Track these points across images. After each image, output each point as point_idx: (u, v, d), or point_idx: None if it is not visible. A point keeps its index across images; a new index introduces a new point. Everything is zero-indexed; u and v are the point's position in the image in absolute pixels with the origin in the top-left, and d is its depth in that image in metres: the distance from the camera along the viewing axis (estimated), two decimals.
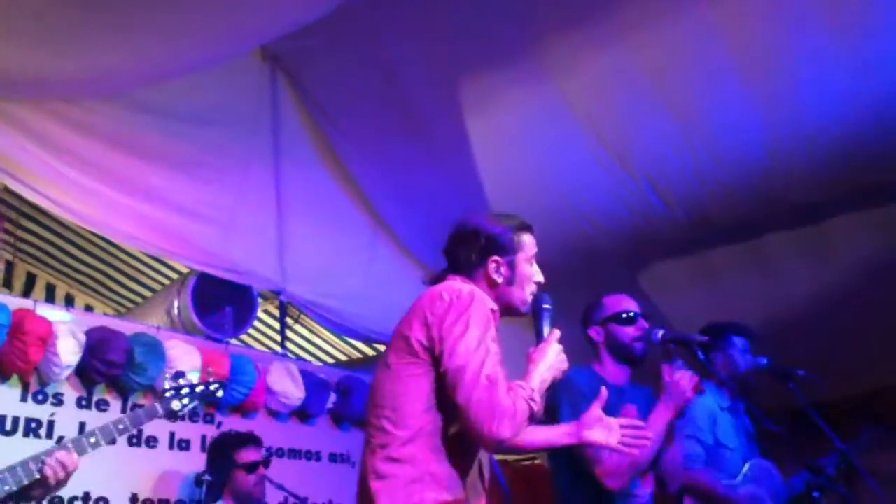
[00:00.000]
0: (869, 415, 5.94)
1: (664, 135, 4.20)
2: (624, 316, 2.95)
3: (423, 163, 4.75)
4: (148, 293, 5.97)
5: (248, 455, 3.56)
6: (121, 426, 2.61)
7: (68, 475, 2.42)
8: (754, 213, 4.72)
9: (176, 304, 4.37)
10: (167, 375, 3.08)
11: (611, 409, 2.73)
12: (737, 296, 5.28)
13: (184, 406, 2.86)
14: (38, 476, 2.35)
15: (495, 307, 2.14)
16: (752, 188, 4.38)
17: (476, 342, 1.95)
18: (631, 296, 3.11)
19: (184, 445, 3.91)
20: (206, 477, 2.92)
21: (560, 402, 2.80)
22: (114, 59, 3.53)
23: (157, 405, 2.81)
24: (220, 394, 3.02)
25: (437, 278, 2.26)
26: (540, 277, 2.26)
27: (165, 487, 3.76)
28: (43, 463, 2.37)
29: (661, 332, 2.88)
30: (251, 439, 3.66)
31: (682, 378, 2.74)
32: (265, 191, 4.64)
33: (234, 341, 4.63)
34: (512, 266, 2.21)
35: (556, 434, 2.51)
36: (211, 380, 3.08)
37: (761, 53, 3.79)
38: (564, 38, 4.01)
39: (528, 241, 2.27)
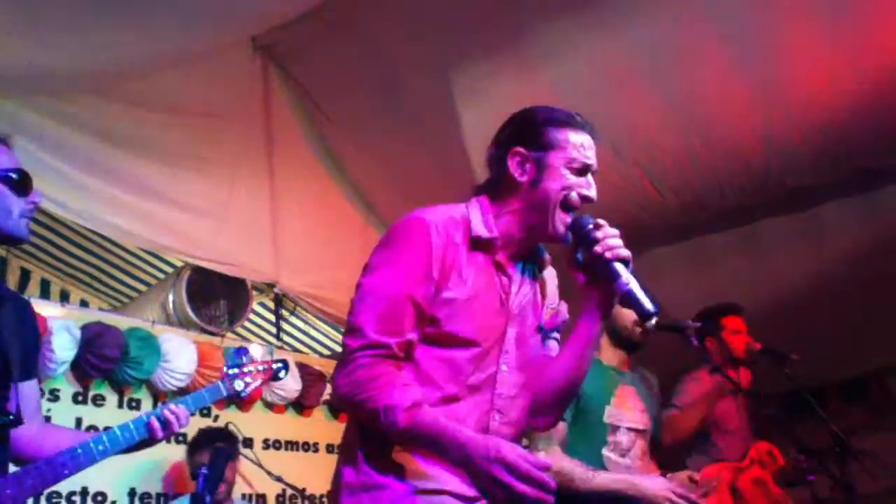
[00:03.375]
0: (861, 398, 6.02)
1: (655, 121, 4.20)
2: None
3: (415, 153, 4.75)
4: (143, 287, 5.95)
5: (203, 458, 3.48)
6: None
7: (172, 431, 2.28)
8: (746, 198, 4.73)
9: (171, 297, 4.37)
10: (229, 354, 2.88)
11: (603, 389, 2.77)
12: (729, 281, 5.30)
13: (247, 385, 2.65)
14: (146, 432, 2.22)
15: (486, 234, 1.75)
16: (743, 173, 4.40)
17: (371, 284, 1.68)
18: None
19: (181, 439, 3.91)
20: (203, 470, 2.91)
21: None
22: (101, 51, 3.52)
23: (221, 384, 2.61)
24: (282, 374, 2.81)
25: None
26: (590, 192, 1.79)
27: (164, 481, 3.77)
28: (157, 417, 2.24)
29: (654, 320, 2.89)
30: (223, 434, 3.68)
31: None
32: (258, 182, 4.63)
33: (229, 334, 4.63)
34: (540, 165, 1.76)
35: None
36: (274, 358, 2.93)
37: (753, 38, 3.80)
38: (553, 26, 4.00)
39: (571, 138, 1.78)
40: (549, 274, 1.96)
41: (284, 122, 4.71)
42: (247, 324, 5.77)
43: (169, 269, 5.50)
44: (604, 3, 3.85)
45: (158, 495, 3.77)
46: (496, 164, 1.82)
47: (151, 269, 5.93)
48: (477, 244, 1.76)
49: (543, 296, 1.92)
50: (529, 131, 1.79)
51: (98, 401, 3.73)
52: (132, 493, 3.68)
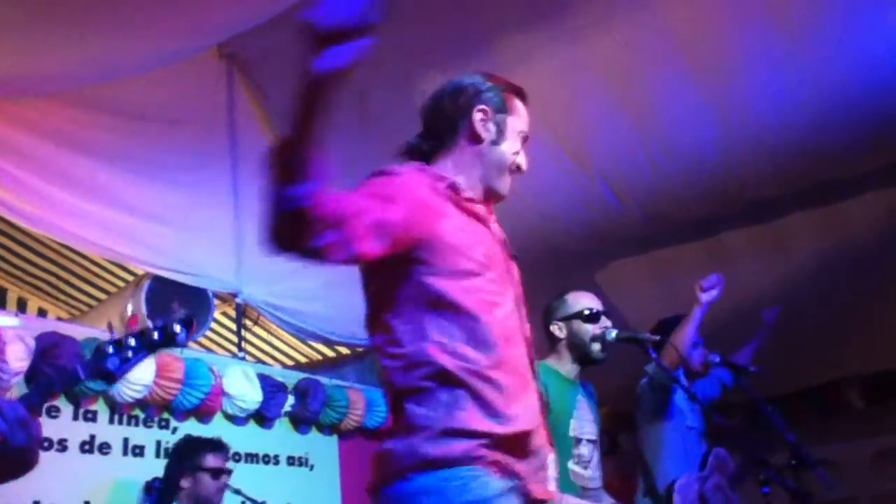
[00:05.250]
0: (824, 406, 6.11)
1: (619, 133, 4.24)
2: (586, 313, 2.99)
3: (381, 162, 4.71)
4: (103, 296, 5.86)
5: (215, 461, 3.50)
6: None
7: None
8: (709, 210, 4.80)
9: (129, 307, 4.30)
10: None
11: (567, 402, 2.81)
12: (692, 292, 5.35)
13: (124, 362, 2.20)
14: None
15: (461, 184, 1.77)
16: (706, 186, 4.45)
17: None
18: (593, 294, 3.15)
19: (138, 452, 3.84)
20: (156, 483, 2.85)
21: None
22: (63, 56, 3.46)
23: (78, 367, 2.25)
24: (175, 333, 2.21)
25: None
26: (524, 162, 1.89)
27: (119, 495, 3.69)
28: None
29: (614, 332, 2.93)
30: (218, 445, 3.60)
31: None
32: (221, 191, 4.57)
33: (190, 345, 4.56)
34: (501, 126, 1.85)
35: None
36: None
37: (711, 52, 3.85)
38: (516, 39, 4.02)
39: (522, 109, 1.91)
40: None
41: (249, 131, 4.65)
42: (208, 334, 5.71)
43: (130, 278, 5.42)
44: (568, 16, 3.88)
45: None
46: (452, 118, 1.85)
47: (112, 277, 5.85)
48: (457, 198, 1.75)
49: None
50: (492, 93, 1.85)
51: (53, 412, 3.64)
52: None
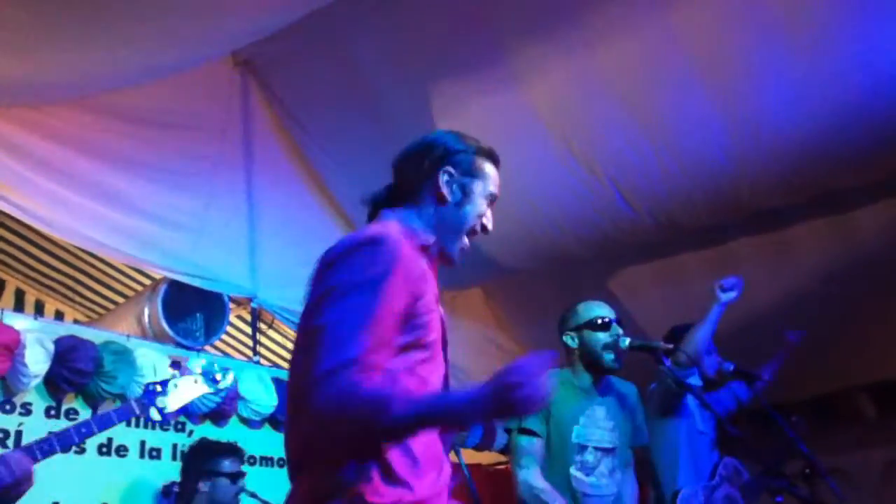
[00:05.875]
0: (834, 415, 6.10)
1: (629, 140, 4.26)
2: (598, 322, 3.02)
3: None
4: (120, 299, 5.92)
5: (231, 465, 3.54)
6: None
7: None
8: (717, 217, 4.80)
9: (146, 311, 4.35)
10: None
11: (573, 410, 2.85)
12: (701, 299, 5.36)
13: (172, 402, 2.51)
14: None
15: (429, 241, 1.85)
16: (714, 193, 4.46)
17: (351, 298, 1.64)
18: (605, 301, 3.18)
19: (154, 454, 3.88)
20: (175, 488, 2.89)
21: None
22: (81, 63, 3.52)
23: (133, 403, 2.51)
24: (224, 381, 2.66)
25: (370, 216, 1.98)
26: (490, 224, 1.94)
27: (135, 497, 3.73)
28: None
29: (627, 340, 2.95)
30: (234, 449, 3.64)
31: None
32: (236, 196, 4.63)
33: (206, 348, 4.62)
34: (466, 190, 1.90)
35: None
36: (217, 368, 2.76)
37: (723, 61, 3.88)
38: (531, 45, 4.06)
39: (490, 172, 1.95)
40: None
41: (264, 137, 4.72)
42: (224, 338, 5.76)
43: (147, 282, 5.48)
44: (578, 22, 3.92)
45: None
46: (418, 176, 1.91)
47: (129, 280, 5.91)
48: (423, 250, 1.83)
49: None
50: (456, 155, 1.91)
51: (71, 415, 3.69)
52: None
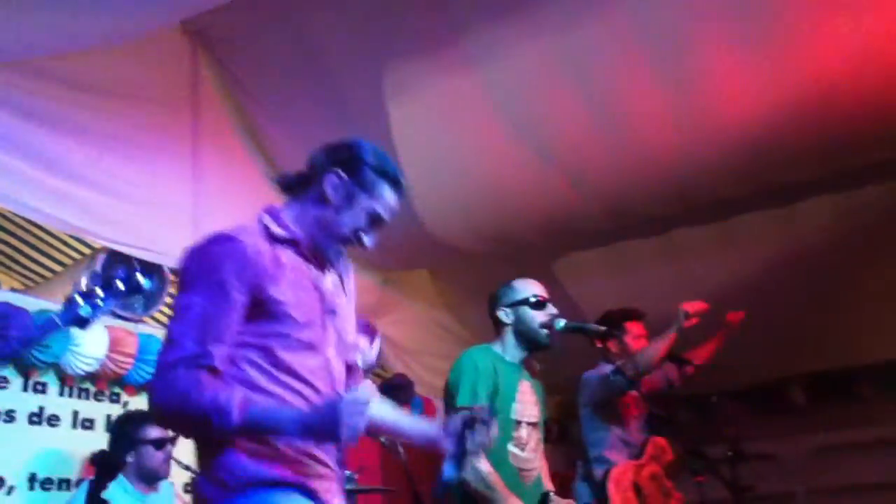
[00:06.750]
0: (768, 403, 6.29)
1: (581, 128, 4.30)
2: (533, 300, 3.05)
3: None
4: (59, 268, 5.79)
5: (154, 432, 3.51)
6: None
7: None
8: (666, 207, 4.89)
9: (84, 281, 4.26)
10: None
11: (509, 388, 2.88)
12: (648, 287, 5.46)
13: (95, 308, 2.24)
14: None
15: (286, 235, 1.87)
16: (664, 184, 4.54)
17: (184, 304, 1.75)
18: (543, 282, 3.21)
19: (87, 424, 3.84)
20: (101, 457, 2.87)
21: (459, 381, 2.89)
22: (18, 23, 3.41)
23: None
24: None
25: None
26: (368, 241, 1.95)
27: (66, 466, 3.69)
28: None
29: (563, 322, 2.99)
30: None
31: None
32: (182, 167, 4.55)
33: (145, 319, 4.55)
34: (350, 198, 1.90)
35: None
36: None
37: (674, 53, 3.92)
38: (487, 30, 4.05)
39: (384, 194, 1.93)
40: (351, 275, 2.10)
41: (211, 108, 4.64)
42: (164, 309, 5.68)
43: (87, 251, 5.38)
44: (536, 10, 3.92)
45: (61, 481, 3.68)
46: (316, 172, 1.94)
47: (68, 248, 5.78)
48: (281, 242, 1.87)
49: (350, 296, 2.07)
50: (356, 164, 1.91)
51: (2, 383, 3.63)
52: (32, 477, 3.58)
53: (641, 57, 3.99)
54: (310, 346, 1.82)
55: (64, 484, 3.69)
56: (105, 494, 2.89)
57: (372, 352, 3.72)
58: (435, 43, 4.20)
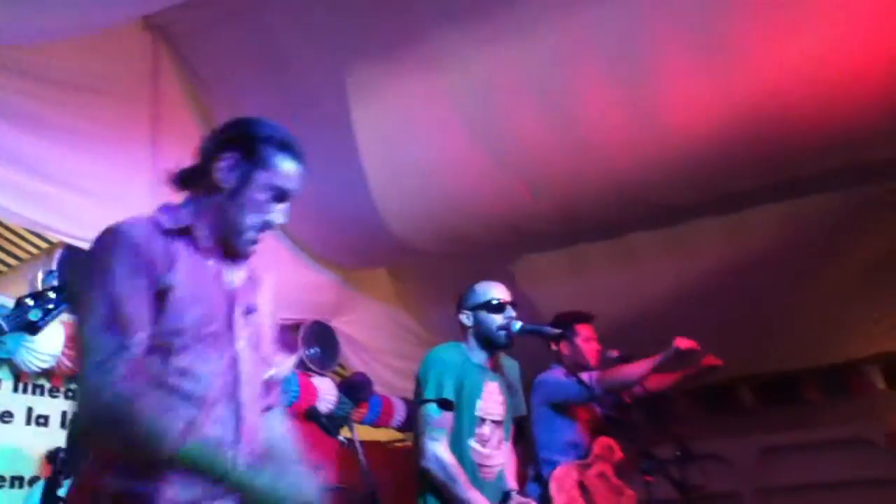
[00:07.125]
0: (716, 404, 6.45)
1: (538, 133, 4.38)
2: (493, 303, 3.12)
3: (307, 144, 4.75)
4: (15, 262, 5.70)
5: None
6: None
7: None
8: (620, 212, 4.99)
9: (40, 275, 4.22)
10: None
11: (474, 386, 2.96)
12: (603, 289, 5.58)
13: (46, 312, 2.29)
14: None
15: (176, 225, 1.71)
16: (617, 188, 4.63)
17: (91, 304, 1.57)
18: (506, 286, 3.28)
19: (42, 421, 3.81)
20: (60, 454, 2.86)
21: (427, 375, 2.97)
22: None
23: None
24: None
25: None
26: (278, 218, 1.78)
27: (19, 464, 3.66)
28: None
29: (519, 324, 3.07)
30: None
31: None
32: (140, 162, 4.52)
33: None
34: (246, 178, 1.73)
35: None
36: None
37: (630, 60, 4.01)
38: (449, 33, 4.11)
39: (280, 164, 1.76)
40: (269, 279, 1.94)
41: (172, 103, 4.61)
42: None
43: (43, 245, 5.30)
44: (496, 17, 3.99)
45: (13, 478, 3.65)
46: (206, 159, 1.78)
47: (24, 243, 5.68)
48: (174, 234, 1.71)
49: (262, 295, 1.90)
50: (247, 142, 1.75)
51: None
52: None
53: (598, 65, 4.09)
54: (211, 342, 1.67)
55: (17, 482, 3.66)
56: (61, 492, 2.89)
57: (286, 366, 3.72)
58: (397, 44, 4.25)
